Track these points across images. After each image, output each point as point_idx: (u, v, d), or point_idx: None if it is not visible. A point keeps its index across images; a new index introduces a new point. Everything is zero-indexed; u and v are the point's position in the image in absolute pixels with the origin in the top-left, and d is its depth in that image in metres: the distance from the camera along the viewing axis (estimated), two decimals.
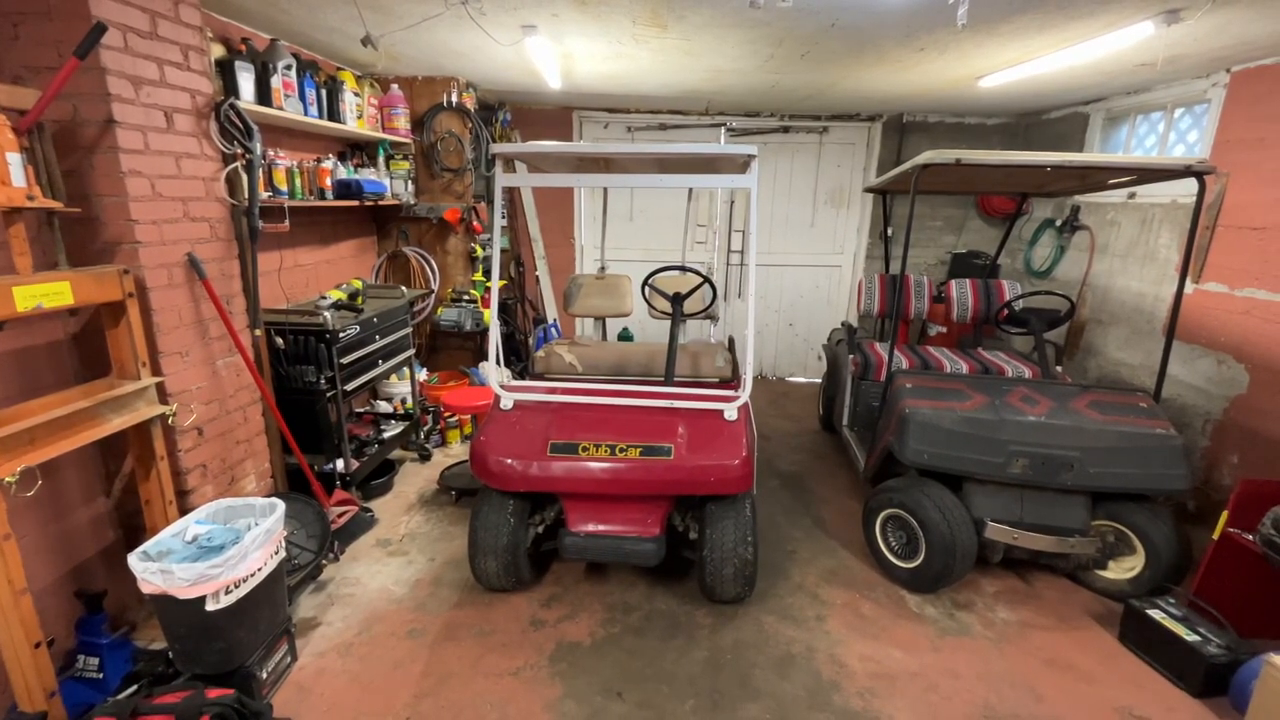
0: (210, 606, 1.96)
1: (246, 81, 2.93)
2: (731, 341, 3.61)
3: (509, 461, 2.59)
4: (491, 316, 2.89)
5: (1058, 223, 4.93)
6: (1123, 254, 4.31)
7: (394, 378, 4.37)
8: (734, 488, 2.55)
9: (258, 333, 2.92)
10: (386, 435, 3.95)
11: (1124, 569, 2.85)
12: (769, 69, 3.79)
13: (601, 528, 2.64)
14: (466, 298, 4.74)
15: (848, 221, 6.04)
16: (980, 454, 2.80)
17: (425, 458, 4.23)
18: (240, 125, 2.67)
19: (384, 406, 4.40)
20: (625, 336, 5.76)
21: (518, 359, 5.44)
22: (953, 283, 4.20)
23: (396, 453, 4.15)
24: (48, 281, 1.90)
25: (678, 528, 2.81)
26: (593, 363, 3.37)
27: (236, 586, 2.02)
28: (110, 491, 2.47)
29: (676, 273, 3.61)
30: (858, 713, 2.25)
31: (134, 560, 1.92)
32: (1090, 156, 2.86)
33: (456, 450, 4.44)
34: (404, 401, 4.44)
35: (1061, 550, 2.76)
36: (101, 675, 2.20)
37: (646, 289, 3.41)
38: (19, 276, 1.87)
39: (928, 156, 2.92)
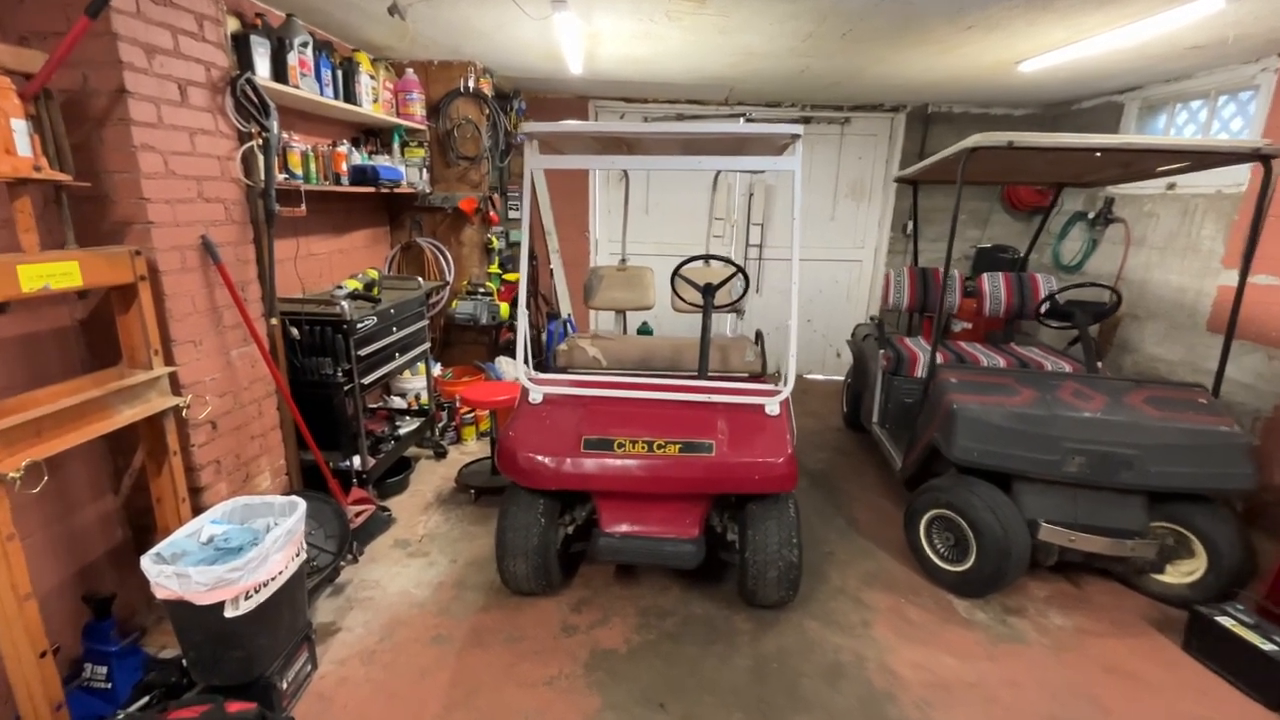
0: (229, 613, 1.81)
1: (262, 58, 2.78)
2: (759, 335, 3.48)
3: (540, 458, 2.45)
4: (520, 306, 2.75)
5: (1090, 215, 4.79)
6: (1161, 246, 4.17)
7: (408, 372, 4.22)
8: (779, 486, 2.41)
9: (274, 322, 2.77)
10: (402, 431, 3.80)
11: (1183, 573, 2.71)
12: (803, 50, 3.64)
13: (638, 528, 2.50)
14: (482, 290, 4.60)
15: (869, 215, 5.90)
16: (1033, 451, 2.66)
17: (441, 455, 4.09)
18: (257, 102, 2.53)
19: (398, 402, 4.25)
20: (644, 331, 5.61)
21: (533, 353, 5.29)
22: (984, 276, 4.07)
23: (411, 450, 4.00)
24: (55, 261, 1.75)
25: (715, 528, 2.67)
26: (617, 356, 3.24)
27: (257, 591, 1.88)
28: (118, 488, 2.32)
29: (701, 264, 3.47)
30: None
31: (148, 563, 1.78)
32: (1150, 139, 2.72)
33: (473, 448, 4.29)
34: (418, 397, 4.30)
35: (1120, 553, 2.62)
36: (110, 685, 2.05)
37: (676, 279, 3.27)
38: (25, 255, 1.72)
39: (977, 139, 2.77)
